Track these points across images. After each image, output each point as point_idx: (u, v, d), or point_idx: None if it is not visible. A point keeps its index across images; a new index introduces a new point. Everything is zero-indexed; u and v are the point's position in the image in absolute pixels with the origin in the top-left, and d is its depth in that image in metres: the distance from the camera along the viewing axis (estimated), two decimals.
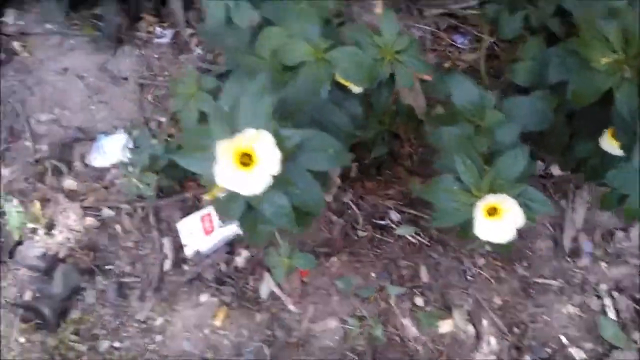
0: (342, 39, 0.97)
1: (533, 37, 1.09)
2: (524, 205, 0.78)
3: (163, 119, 1.42)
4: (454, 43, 1.58)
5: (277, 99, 0.63)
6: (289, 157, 0.58)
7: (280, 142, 0.56)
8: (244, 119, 0.57)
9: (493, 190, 0.78)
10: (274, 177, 0.56)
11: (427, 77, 1.05)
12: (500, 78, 1.35)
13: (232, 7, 0.99)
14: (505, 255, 1.27)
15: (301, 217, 0.62)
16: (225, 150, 0.54)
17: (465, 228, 0.82)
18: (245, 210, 0.61)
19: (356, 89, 0.93)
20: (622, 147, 0.86)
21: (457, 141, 0.83)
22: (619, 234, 1.31)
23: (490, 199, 0.75)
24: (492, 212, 0.77)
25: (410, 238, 1.30)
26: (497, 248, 0.81)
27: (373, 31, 1.03)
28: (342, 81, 0.89)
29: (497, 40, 1.47)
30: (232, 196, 0.59)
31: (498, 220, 0.77)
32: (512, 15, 1.14)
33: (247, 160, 0.57)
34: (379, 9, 1.32)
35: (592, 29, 0.81)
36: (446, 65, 1.56)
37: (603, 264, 1.29)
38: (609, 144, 0.95)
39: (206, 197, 0.59)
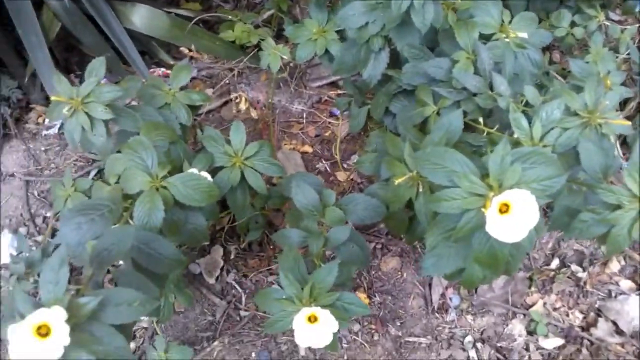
0: None
1: (375, 130, 1.21)
2: (342, 308, 0.89)
3: (49, 214, 1.47)
4: (333, 114, 1.70)
5: None
6: None
7: None
8: None
9: (314, 298, 0.88)
10: None
11: None
12: None
13: None
14: (379, 317, 1.38)
15: None
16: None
17: None
18: None
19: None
20: None
21: (285, 254, 0.93)
22: (483, 285, 1.44)
23: (307, 311, 0.85)
24: (313, 319, 0.87)
25: None
26: (325, 348, 0.90)
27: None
28: None
29: None
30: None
31: (318, 325, 0.86)
32: (360, 108, 1.26)
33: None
34: None
35: (397, 146, 0.93)
36: (327, 134, 1.68)
37: (469, 317, 1.41)
38: None
39: None
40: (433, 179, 0.75)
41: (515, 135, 0.88)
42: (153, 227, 0.91)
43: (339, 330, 0.86)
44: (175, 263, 0.87)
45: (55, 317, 0.63)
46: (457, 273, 0.87)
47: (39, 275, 1.29)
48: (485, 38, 1.04)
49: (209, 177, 1.01)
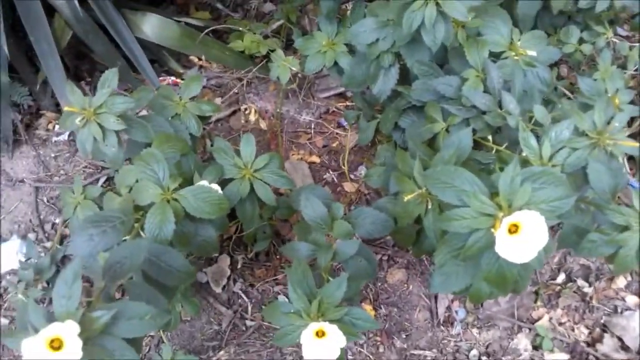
0: None
1: (384, 144, 1.22)
2: (350, 323, 0.89)
3: (57, 220, 1.48)
4: (341, 125, 1.71)
5: None
6: None
7: None
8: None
9: (322, 313, 0.89)
10: None
11: None
12: None
13: None
14: (384, 329, 1.39)
15: None
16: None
17: None
18: None
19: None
20: None
21: (294, 268, 0.93)
22: (489, 300, 1.44)
23: (315, 326, 0.86)
24: (321, 334, 0.87)
25: None
26: None
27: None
28: None
29: None
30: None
31: (325, 340, 0.86)
32: (368, 122, 1.27)
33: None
34: None
35: (407, 162, 0.94)
36: (334, 145, 1.69)
37: (474, 330, 1.41)
38: None
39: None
40: (443, 197, 0.76)
41: (524, 154, 0.88)
42: (164, 239, 0.92)
43: None
44: (185, 275, 0.88)
45: (68, 331, 0.64)
46: (465, 289, 0.88)
47: (47, 282, 1.31)
48: (494, 56, 1.05)
49: (219, 189, 1.02)
